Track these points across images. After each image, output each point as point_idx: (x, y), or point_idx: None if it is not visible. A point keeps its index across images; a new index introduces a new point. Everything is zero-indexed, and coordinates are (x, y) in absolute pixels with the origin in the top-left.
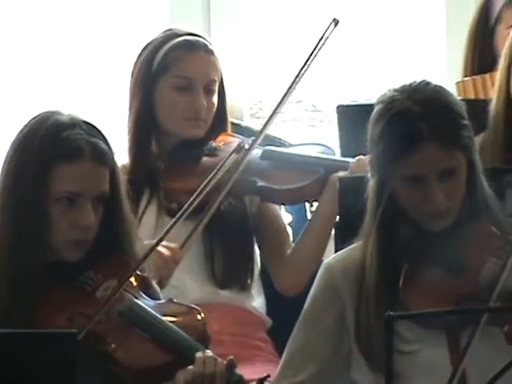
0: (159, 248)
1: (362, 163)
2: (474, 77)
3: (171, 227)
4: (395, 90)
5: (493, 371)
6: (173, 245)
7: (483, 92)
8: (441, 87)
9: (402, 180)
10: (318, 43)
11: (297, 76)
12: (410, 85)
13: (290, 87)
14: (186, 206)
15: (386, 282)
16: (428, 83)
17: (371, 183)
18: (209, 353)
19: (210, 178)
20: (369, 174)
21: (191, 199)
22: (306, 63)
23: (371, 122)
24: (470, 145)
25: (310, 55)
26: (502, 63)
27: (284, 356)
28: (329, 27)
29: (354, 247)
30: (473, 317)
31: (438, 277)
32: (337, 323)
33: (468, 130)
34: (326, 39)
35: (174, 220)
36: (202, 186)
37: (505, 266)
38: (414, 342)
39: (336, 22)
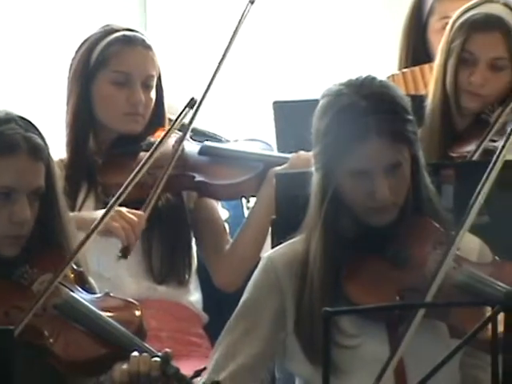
0: (125, 212)
1: (303, 158)
2: (404, 70)
3: (102, 219)
4: (341, 85)
5: (433, 364)
6: (138, 212)
7: (413, 85)
8: (387, 82)
9: (348, 174)
10: (238, 25)
11: (220, 60)
12: (357, 79)
13: (215, 71)
14: (117, 194)
15: (331, 276)
16: (374, 78)
17: (316, 177)
18: (145, 348)
19: (141, 164)
20: (312, 168)
21: (121, 190)
22: (227, 49)
23: (316, 115)
24: (414, 140)
25: (231, 39)
26: (438, 59)
27: (220, 347)
28: (246, 8)
29: (295, 241)
30: (413, 310)
31: (382, 270)
32: (276, 314)
33: (413, 125)
34: (243, 19)
35: (105, 211)
36: (132, 176)
37: (442, 261)
38: (355, 336)
39: (252, 1)
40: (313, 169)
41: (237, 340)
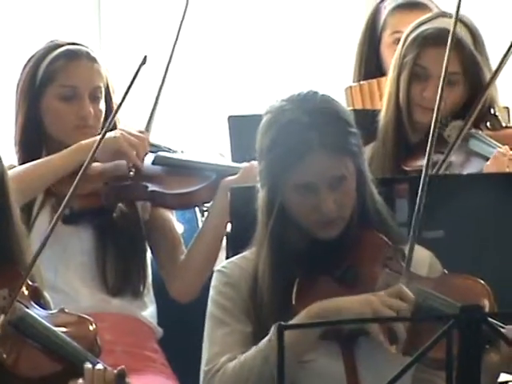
0: (126, 134)
1: (255, 168)
2: (361, 82)
3: (53, 228)
4: (283, 100)
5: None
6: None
7: (370, 98)
8: (328, 96)
9: (292, 189)
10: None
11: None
12: (299, 94)
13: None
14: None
15: (280, 293)
16: (316, 92)
17: (261, 193)
18: (99, 364)
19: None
20: (258, 185)
21: (66, 198)
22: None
23: (260, 132)
24: (358, 152)
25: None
26: (390, 74)
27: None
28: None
29: (245, 255)
30: (365, 327)
31: (331, 286)
32: (246, 316)
33: (356, 138)
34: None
35: (53, 221)
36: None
37: (403, 279)
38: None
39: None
40: (258, 185)
41: (221, 340)
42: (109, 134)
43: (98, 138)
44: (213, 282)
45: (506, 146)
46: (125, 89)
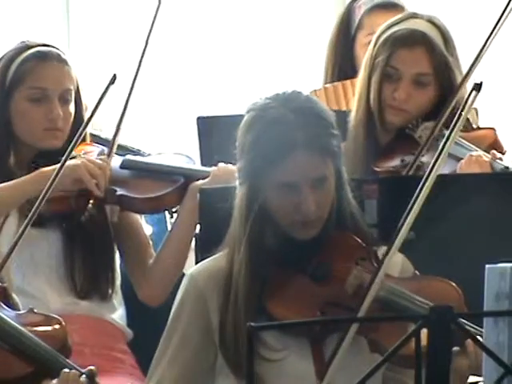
0: (87, 163)
1: (224, 170)
2: (326, 86)
3: (23, 232)
4: (267, 99)
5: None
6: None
7: (335, 101)
8: (312, 97)
9: (274, 187)
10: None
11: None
12: (283, 93)
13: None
14: (33, 209)
15: (255, 292)
16: (300, 92)
17: (240, 192)
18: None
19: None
20: (237, 182)
21: (37, 203)
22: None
23: (242, 129)
24: (338, 154)
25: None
26: (361, 74)
27: (155, 369)
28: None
29: (217, 257)
30: (336, 325)
31: (304, 285)
32: (203, 334)
33: (337, 140)
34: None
35: (24, 225)
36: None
37: (374, 279)
38: (279, 350)
39: (113, 79)
40: (237, 183)
41: (169, 359)
42: (69, 162)
43: (58, 166)
44: (181, 288)
45: (480, 152)
46: (93, 106)
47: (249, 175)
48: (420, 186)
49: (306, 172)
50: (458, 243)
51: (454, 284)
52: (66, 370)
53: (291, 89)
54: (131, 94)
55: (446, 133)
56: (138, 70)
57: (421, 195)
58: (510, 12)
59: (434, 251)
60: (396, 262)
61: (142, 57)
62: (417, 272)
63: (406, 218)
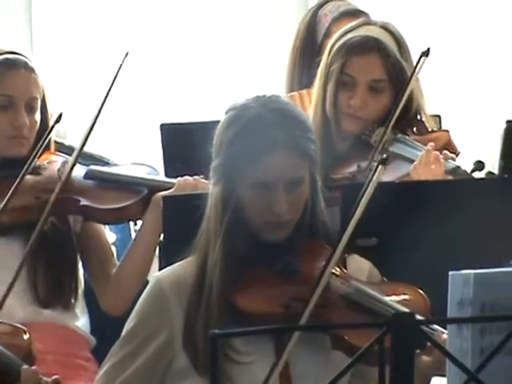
0: None
1: (189, 182)
2: (292, 93)
3: None
4: (247, 100)
5: (318, 375)
6: None
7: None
8: (291, 101)
9: (249, 185)
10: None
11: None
12: (263, 95)
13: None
14: None
15: (228, 287)
16: (279, 96)
17: (215, 190)
18: (35, 371)
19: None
20: (211, 182)
21: None
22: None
23: (220, 128)
24: (315, 160)
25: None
26: (317, 83)
27: (105, 370)
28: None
29: (185, 262)
30: (301, 324)
31: (272, 279)
32: (163, 335)
33: (315, 145)
34: (120, 69)
35: None
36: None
37: (341, 274)
38: (246, 353)
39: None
40: (211, 182)
41: (122, 362)
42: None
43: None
44: (146, 290)
45: (431, 144)
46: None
47: (225, 173)
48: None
49: (282, 172)
50: (422, 249)
51: (421, 291)
52: (26, 372)
53: (271, 92)
54: (102, 108)
55: (400, 136)
56: (111, 84)
57: (363, 198)
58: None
59: (397, 257)
60: (363, 270)
61: (117, 73)
62: (384, 279)
63: (350, 220)
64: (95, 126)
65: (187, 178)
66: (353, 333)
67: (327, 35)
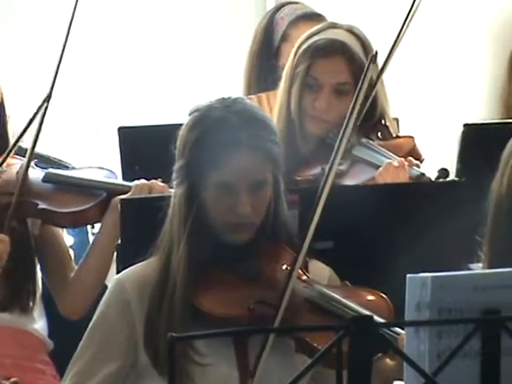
0: None
1: (145, 186)
2: (250, 96)
3: None
4: (211, 101)
5: (281, 379)
6: None
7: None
8: (255, 104)
9: (213, 186)
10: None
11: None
12: (228, 97)
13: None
14: None
15: (192, 288)
16: (243, 98)
17: (179, 191)
18: None
19: None
20: (174, 183)
21: None
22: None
23: (184, 130)
24: (279, 163)
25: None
26: (282, 85)
27: (71, 372)
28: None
29: (149, 261)
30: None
31: (235, 282)
32: (126, 334)
33: (278, 148)
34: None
35: None
36: None
37: (287, 284)
38: (206, 355)
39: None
40: (174, 184)
41: (87, 363)
42: None
43: None
44: (107, 291)
45: (400, 159)
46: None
47: (189, 174)
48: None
49: (246, 173)
50: (379, 253)
51: (384, 296)
52: None
53: (236, 95)
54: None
55: (365, 141)
56: (54, 80)
57: (321, 200)
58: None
59: (353, 261)
60: (323, 276)
61: (58, 66)
62: (347, 283)
63: (311, 224)
64: (43, 125)
65: (143, 181)
66: (315, 336)
67: (284, 39)
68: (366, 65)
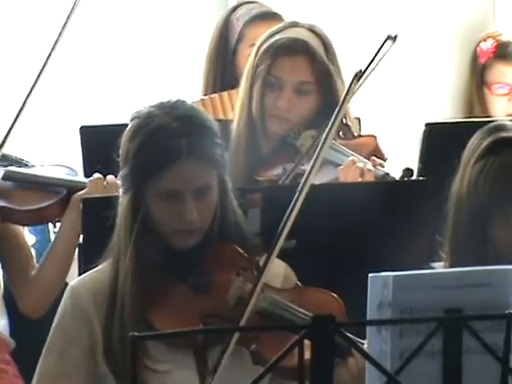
0: None
1: (99, 182)
2: (212, 95)
3: None
4: (151, 107)
5: None
6: None
7: (222, 110)
8: (196, 106)
9: (157, 195)
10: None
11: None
12: (168, 102)
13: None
14: None
15: (141, 300)
16: (184, 101)
17: (124, 200)
18: None
19: None
20: (120, 191)
21: None
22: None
23: (126, 137)
24: (222, 164)
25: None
26: (243, 84)
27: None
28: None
29: (100, 268)
30: (219, 336)
31: (186, 295)
32: (83, 346)
33: (221, 149)
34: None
35: None
36: None
37: (255, 288)
38: (163, 361)
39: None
40: (120, 191)
41: (50, 373)
42: None
43: None
44: (62, 300)
45: (360, 158)
46: None
47: (133, 183)
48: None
49: (189, 180)
50: (342, 252)
51: (335, 295)
52: None
53: (176, 98)
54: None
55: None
56: (34, 84)
57: (298, 202)
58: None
59: (317, 260)
60: (278, 273)
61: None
62: (298, 283)
63: (284, 226)
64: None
65: (97, 175)
66: (271, 348)
67: (240, 40)
68: (350, 81)
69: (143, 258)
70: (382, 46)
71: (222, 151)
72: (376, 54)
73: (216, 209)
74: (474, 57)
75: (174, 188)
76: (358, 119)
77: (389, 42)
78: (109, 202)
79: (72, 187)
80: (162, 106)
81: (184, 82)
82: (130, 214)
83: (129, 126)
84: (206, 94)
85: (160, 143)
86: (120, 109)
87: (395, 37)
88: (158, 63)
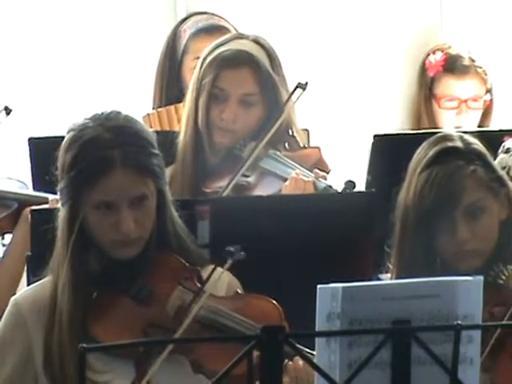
0: None
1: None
2: (159, 109)
3: None
4: (86, 119)
5: None
6: None
7: (168, 124)
8: (131, 116)
9: (93, 206)
10: None
11: None
12: (102, 113)
13: None
14: None
15: (79, 314)
16: (119, 112)
17: (62, 212)
18: None
19: None
20: (59, 204)
21: None
22: None
23: (62, 149)
24: (160, 173)
25: None
26: (188, 96)
27: None
28: None
29: (44, 281)
30: (159, 347)
31: (126, 307)
32: (22, 360)
33: (158, 159)
34: None
35: None
36: None
37: (195, 298)
38: (104, 372)
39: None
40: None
41: None
42: None
43: None
44: (5, 313)
45: (304, 171)
46: None
47: (69, 195)
48: None
49: (123, 191)
50: (290, 264)
51: (274, 301)
52: None
53: (110, 109)
54: None
55: (272, 152)
56: None
57: None
58: None
59: (265, 272)
60: (223, 281)
61: None
62: (239, 290)
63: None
64: None
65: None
66: (209, 357)
67: (185, 52)
68: (292, 90)
69: (81, 270)
70: (292, 93)
71: (159, 161)
72: (287, 101)
73: (154, 219)
74: (423, 69)
75: (108, 198)
76: (307, 131)
77: (299, 90)
78: (57, 214)
79: (23, 201)
80: (97, 117)
81: (134, 95)
82: (67, 226)
83: (65, 139)
84: (155, 107)
85: (93, 154)
86: (70, 121)
87: (306, 84)
88: (108, 75)
